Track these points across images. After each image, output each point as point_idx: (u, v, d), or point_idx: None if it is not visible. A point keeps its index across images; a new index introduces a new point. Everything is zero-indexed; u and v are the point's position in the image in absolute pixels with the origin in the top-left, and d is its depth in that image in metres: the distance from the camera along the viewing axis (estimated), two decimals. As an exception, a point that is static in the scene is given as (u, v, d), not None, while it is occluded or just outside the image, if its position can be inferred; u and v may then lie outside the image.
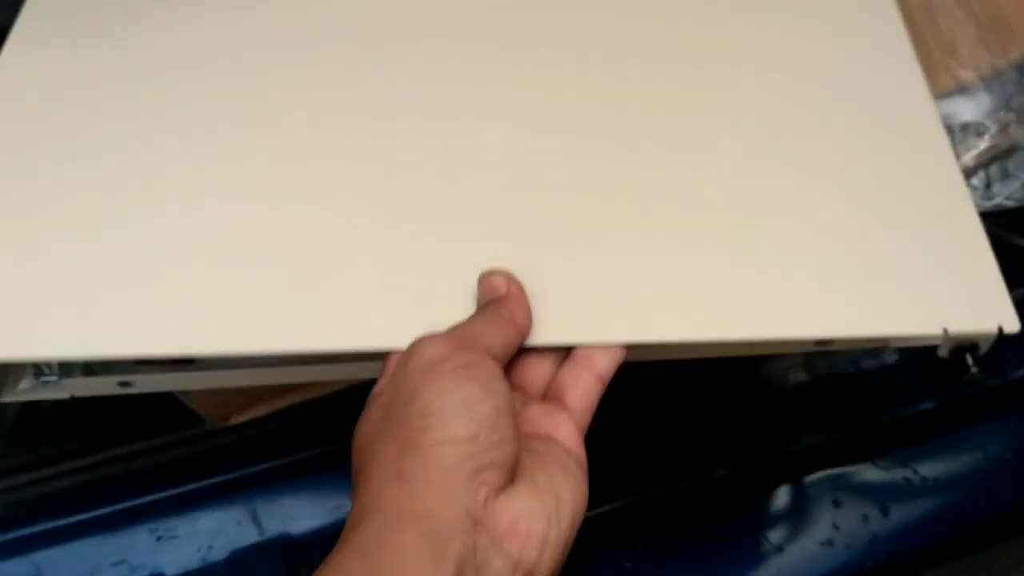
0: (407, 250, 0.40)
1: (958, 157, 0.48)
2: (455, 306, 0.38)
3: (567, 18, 0.49)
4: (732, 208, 0.42)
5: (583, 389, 0.36)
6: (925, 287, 0.39)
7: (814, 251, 0.40)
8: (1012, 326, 0.37)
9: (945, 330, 0.37)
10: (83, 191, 0.42)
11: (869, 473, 0.56)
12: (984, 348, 0.38)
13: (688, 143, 0.44)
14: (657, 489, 0.55)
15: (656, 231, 0.41)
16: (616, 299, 0.39)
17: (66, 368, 0.46)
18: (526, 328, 0.37)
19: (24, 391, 0.47)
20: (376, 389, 0.35)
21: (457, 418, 0.31)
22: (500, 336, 0.36)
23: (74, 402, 0.45)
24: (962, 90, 0.54)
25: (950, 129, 0.52)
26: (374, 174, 0.43)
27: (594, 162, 0.43)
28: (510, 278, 0.38)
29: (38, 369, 0.46)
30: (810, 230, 0.41)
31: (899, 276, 0.39)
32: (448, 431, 0.31)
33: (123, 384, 0.46)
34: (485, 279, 0.38)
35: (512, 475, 0.32)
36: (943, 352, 0.38)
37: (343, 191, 0.42)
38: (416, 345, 0.34)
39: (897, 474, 0.56)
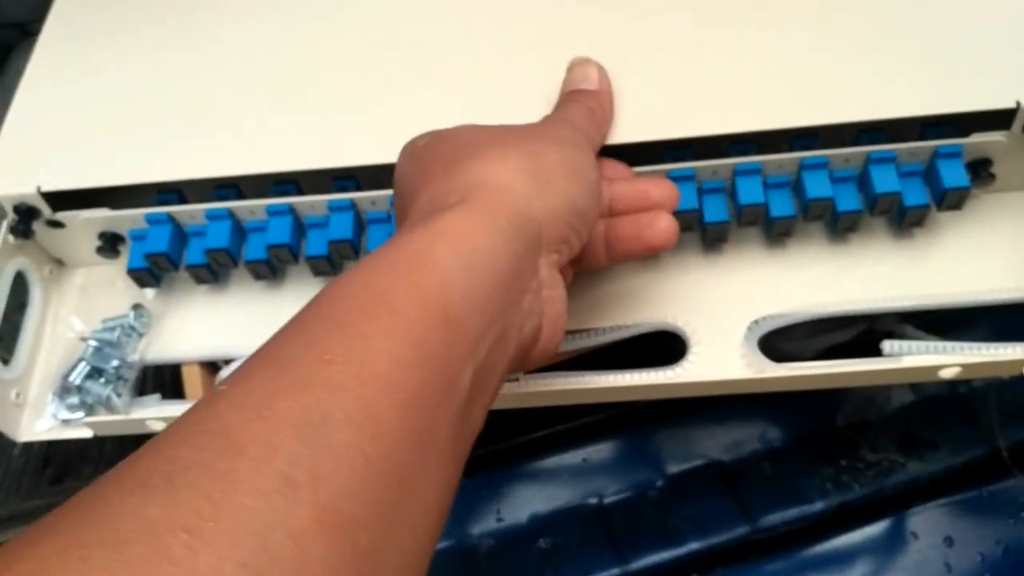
0: (491, 60, 0.43)
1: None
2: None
3: None
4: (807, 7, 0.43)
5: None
6: (999, 69, 0.40)
7: (889, 43, 0.41)
8: None
9: (1018, 103, 0.39)
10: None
11: (985, 505, 0.50)
12: None
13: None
14: (747, 525, 0.49)
15: (727, 35, 0.42)
16: (685, 99, 0.41)
17: (89, 406, 0.42)
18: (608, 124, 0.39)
19: (44, 431, 0.43)
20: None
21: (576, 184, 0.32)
22: (598, 133, 0.38)
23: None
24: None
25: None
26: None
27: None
28: (603, 73, 0.40)
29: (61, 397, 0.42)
30: (886, 24, 0.42)
31: (974, 60, 0.40)
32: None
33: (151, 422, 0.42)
34: (578, 66, 0.40)
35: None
36: (1017, 128, 0.39)
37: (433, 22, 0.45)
38: None
39: (1017, 506, 0.50)
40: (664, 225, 0.35)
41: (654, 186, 0.36)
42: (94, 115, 0.45)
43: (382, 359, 0.24)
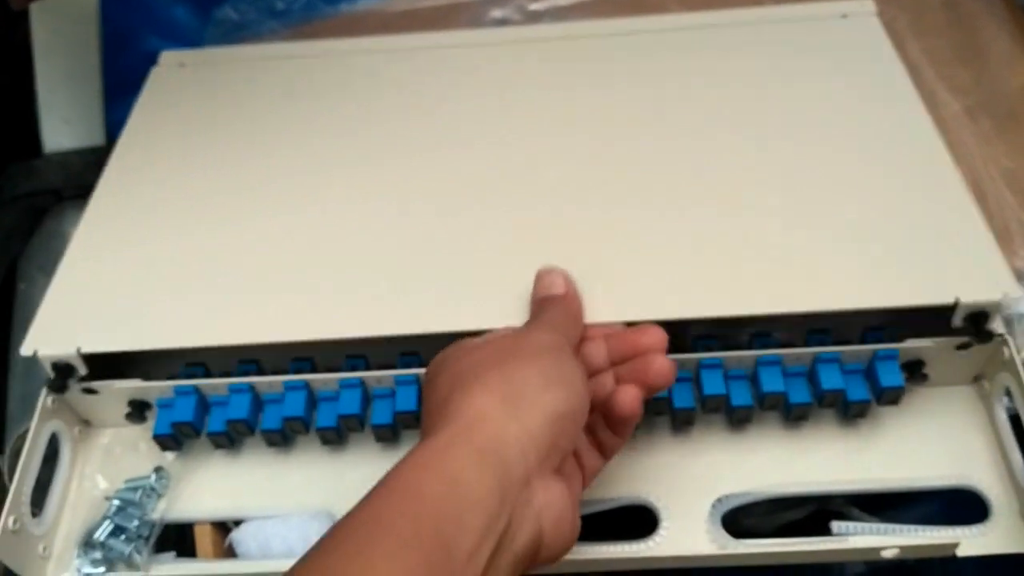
0: (488, 252, 0.49)
1: (1019, 350, 0.46)
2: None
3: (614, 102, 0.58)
4: (772, 213, 0.49)
5: None
6: (939, 268, 0.46)
7: (843, 244, 0.47)
8: (1015, 293, 0.44)
9: (957, 299, 0.44)
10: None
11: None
12: (993, 316, 0.45)
13: (726, 173, 0.52)
14: None
15: (696, 230, 0.49)
16: (655, 283, 0.46)
17: (110, 562, 0.45)
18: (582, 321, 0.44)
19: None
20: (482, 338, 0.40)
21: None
22: (575, 330, 0.42)
23: None
24: (1019, 277, 0.53)
25: (1008, 320, 0.50)
26: (461, 206, 0.52)
27: (638, 195, 0.51)
28: (568, 277, 0.44)
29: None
30: (840, 227, 0.48)
31: (918, 260, 0.46)
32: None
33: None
34: (545, 275, 0.44)
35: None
36: (957, 320, 0.45)
37: (441, 216, 0.52)
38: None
39: None
40: (660, 364, 0.39)
41: (643, 334, 0.41)
42: (130, 285, 0.50)
43: None
